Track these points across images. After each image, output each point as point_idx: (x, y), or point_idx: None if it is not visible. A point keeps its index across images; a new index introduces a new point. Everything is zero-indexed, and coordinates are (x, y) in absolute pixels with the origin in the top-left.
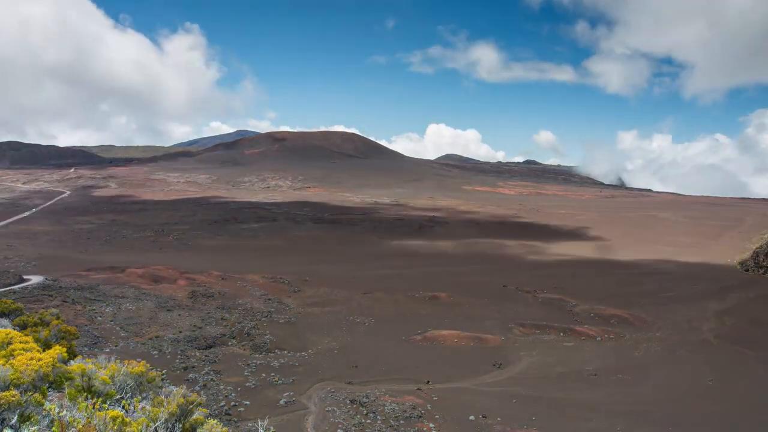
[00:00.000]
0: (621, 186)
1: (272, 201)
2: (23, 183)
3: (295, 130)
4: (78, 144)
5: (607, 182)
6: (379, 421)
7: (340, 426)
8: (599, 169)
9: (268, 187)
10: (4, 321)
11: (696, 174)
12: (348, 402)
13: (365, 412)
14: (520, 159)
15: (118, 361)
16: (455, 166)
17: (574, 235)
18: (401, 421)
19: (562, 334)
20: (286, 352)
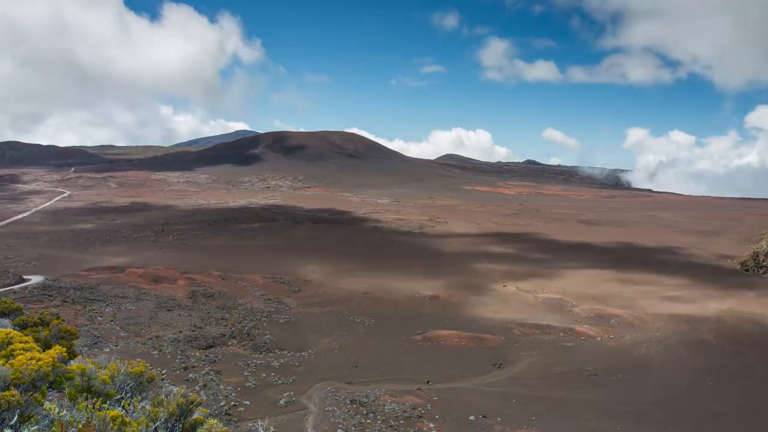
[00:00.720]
0: (621, 186)
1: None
2: (23, 183)
3: (295, 130)
4: (78, 144)
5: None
6: (379, 421)
7: (340, 426)
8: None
9: (268, 187)
10: (4, 321)
11: (723, 174)
12: (348, 402)
13: (365, 412)
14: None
15: (118, 361)
16: (455, 166)
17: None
18: (401, 421)
19: (562, 333)
20: (286, 352)
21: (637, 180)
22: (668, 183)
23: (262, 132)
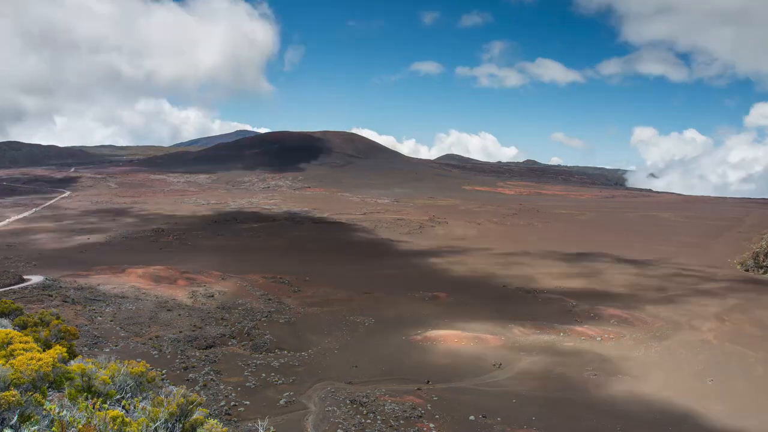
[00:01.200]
0: (622, 185)
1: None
2: (23, 183)
3: (295, 130)
4: (78, 144)
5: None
6: (379, 421)
7: (340, 426)
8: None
9: (268, 187)
10: (4, 321)
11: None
12: (348, 402)
13: (365, 412)
14: (520, 159)
15: (118, 361)
16: (455, 166)
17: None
18: (401, 421)
19: (562, 334)
20: (286, 352)
21: (639, 180)
22: (674, 183)
23: (262, 132)
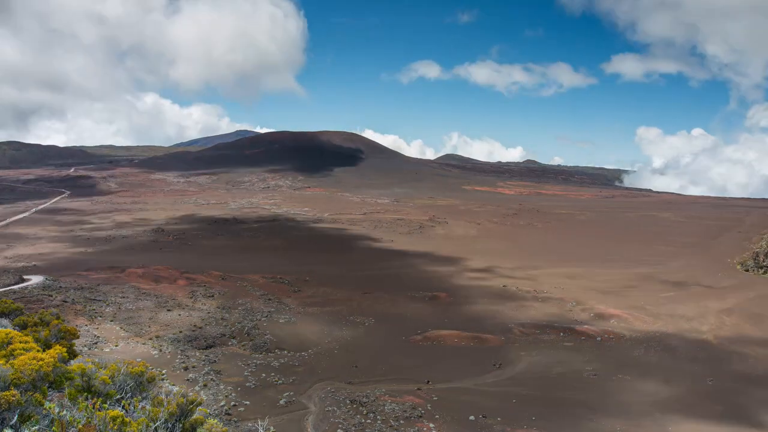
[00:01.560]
0: (621, 185)
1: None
2: (23, 183)
3: (296, 130)
4: (78, 144)
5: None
6: (379, 421)
7: (340, 426)
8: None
9: (268, 188)
10: (4, 321)
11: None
12: (348, 402)
13: (365, 412)
14: (520, 159)
15: (118, 361)
16: (455, 166)
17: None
18: (401, 421)
19: (562, 334)
20: (286, 352)
21: (640, 179)
22: (676, 182)
23: (262, 132)
